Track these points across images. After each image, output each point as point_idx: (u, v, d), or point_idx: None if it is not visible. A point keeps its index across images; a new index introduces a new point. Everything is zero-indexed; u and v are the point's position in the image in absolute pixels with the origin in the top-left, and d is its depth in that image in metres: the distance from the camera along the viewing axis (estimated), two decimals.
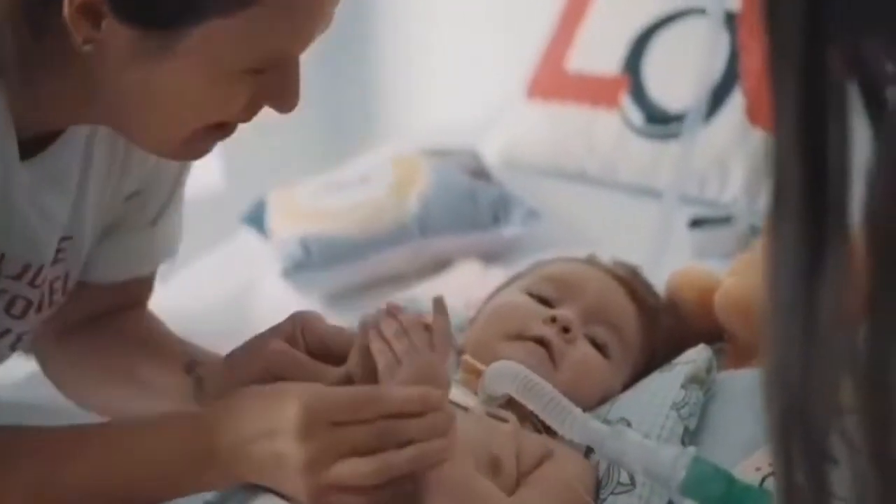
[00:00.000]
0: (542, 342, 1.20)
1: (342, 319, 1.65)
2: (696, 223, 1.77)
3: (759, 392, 0.66)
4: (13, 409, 1.35)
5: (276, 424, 0.93)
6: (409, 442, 0.94)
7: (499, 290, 1.35)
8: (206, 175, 2.57)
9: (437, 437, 0.95)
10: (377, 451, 0.92)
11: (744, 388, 1.22)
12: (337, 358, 1.06)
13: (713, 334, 1.35)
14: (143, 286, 1.24)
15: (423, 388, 0.96)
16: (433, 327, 1.03)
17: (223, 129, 0.98)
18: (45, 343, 1.21)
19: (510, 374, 1.06)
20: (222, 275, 1.86)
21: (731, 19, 1.86)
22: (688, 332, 1.36)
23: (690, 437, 1.14)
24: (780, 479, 0.65)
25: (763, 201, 1.83)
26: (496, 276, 1.67)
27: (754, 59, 1.84)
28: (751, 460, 1.03)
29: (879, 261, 0.58)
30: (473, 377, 1.16)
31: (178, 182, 1.17)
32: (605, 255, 1.40)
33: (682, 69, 1.89)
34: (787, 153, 0.60)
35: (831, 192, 0.59)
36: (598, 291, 1.27)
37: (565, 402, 1.03)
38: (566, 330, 1.21)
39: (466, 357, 1.19)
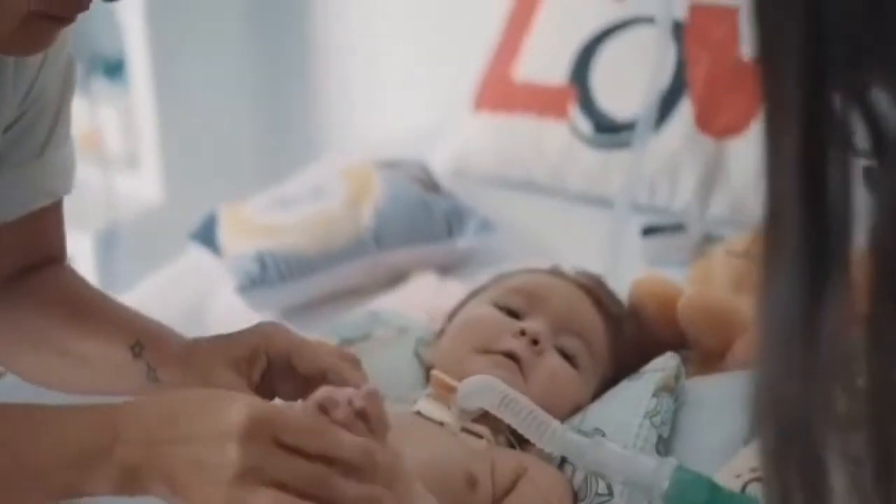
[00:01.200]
0: (511, 356, 1.20)
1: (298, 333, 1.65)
2: (649, 231, 1.78)
3: (751, 415, 0.66)
4: None
5: (211, 427, 0.86)
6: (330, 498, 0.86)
7: (463, 303, 1.35)
8: (146, 190, 2.55)
9: None
10: (305, 492, 0.85)
11: (711, 394, 1.23)
12: (300, 376, 1.03)
13: (674, 342, 1.36)
14: (48, 234, 1.18)
15: (370, 443, 0.89)
16: (368, 414, 0.91)
17: (56, 18, 0.91)
18: None
19: (486, 388, 1.06)
20: (172, 293, 1.82)
21: (677, 28, 1.88)
22: (649, 341, 1.37)
23: (665, 445, 1.15)
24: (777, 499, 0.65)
25: (713, 209, 1.85)
26: (453, 287, 1.67)
27: (701, 68, 1.86)
28: (729, 467, 1.03)
29: (883, 289, 0.58)
30: (445, 392, 1.15)
31: (60, 108, 1.11)
32: (560, 265, 1.40)
33: (629, 78, 1.90)
34: (786, 196, 0.60)
35: (833, 227, 0.59)
36: (566, 302, 1.27)
37: (543, 415, 1.03)
38: (535, 342, 1.21)
39: (436, 372, 1.18)
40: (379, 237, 1.73)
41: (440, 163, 2.07)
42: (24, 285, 1.15)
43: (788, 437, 0.63)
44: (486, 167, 2.06)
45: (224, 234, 1.78)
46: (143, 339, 1.09)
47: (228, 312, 1.74)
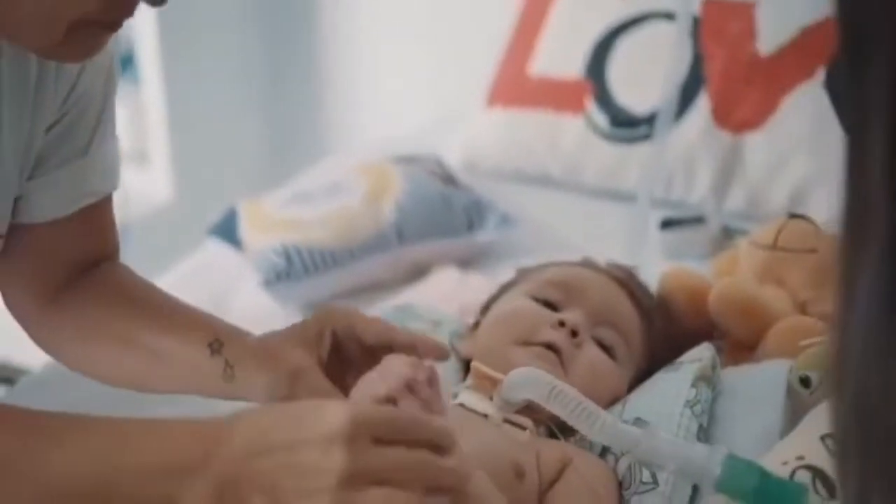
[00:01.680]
0: (552, 347, 1.21)
1: None
2: (668, 224, 1.79)
3: (831, 412, 0.67)
4: None
5: (313, 433, 0.87)
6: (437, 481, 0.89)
7: (496, 296, 1.36)
8: (156, 190, 2.55)
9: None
10: (409, 481, 0.88)
11: (745, 384, 1.24)
12: (369, 352, 1.06)
13: (703, 333, 1.38)
14: (99, 232, 1.19)
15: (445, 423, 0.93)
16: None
17: (102, 25, 0.92)
18: (28, 313, 1.17)
19: (534, 380, 1.07)
20: (191, 288, 1.82)
21: (694, 23, 1.90)
22: (679, 332, 1.39)
23: (705, 433, 1.16)
24: None
25: (730, 203, 1.86)
26: (476, 281, 1.69)
27: (717, 63, 1.88)
28: (775, 454, 1.04)
29: None
30: (487, 384, 1.16)
31: (104, 108, 1.12)
32: (591, 258, 1.42)
33: (645, 73, 1.92)
34: (872, 193, 0.60)
35: None
36: (602, 294, 1.29)
37: (592, 406, 1.03)
38: (574, 334, 1.22)
39: (477, 364, 1.19)
40: (401, 231, 1.74)
41: (453, 158, 2.08)
42: (85, 283, 1.16)
43: (870, 435, 0.63)
44: (500, 162, 2.07)
45: (245, 229, 1.79)
46: (222, 336, 1.10)
47: (251, 307, 1.75)
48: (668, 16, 1.92)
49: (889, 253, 0.60)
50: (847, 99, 0.63)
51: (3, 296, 1.17)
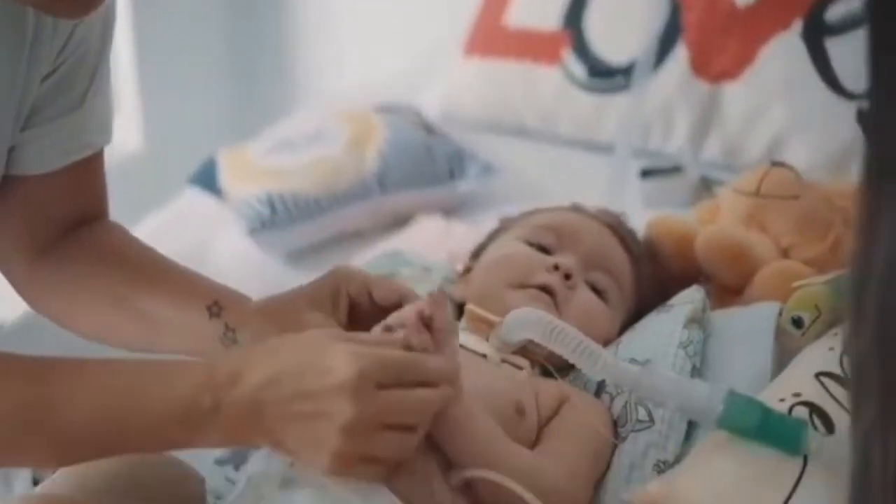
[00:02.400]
0: (546, 289, 1.23)
1: (304, 276, 1.65)
2: (647, 174, 1.81)
3: (851, 357, 0.68)
4: None
5: (322, 383, 0.90)
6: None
7: (486, 242, 1.37)
8: (126, 140, 2.53)
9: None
10: (412, 422, 0.93)
11: (733, 326, 1.26)
12: (381, 310, 1.06)
13: (689, 277, 1.41)
14: (91, 187, 1.17)
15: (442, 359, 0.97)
16: (435, 321, 1.00)
17: None
18: (18, 269, 1.15)
19: (533, 320, 1.08)
20: (172, 238, 1.82)
21: None
22: (666, 276, 1.41)
23: (698, 374, 1.18)
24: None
25: (706, 152, 1.88)
26: (459, 229, 1.70)
27: (695, 13, 1.89)
28: (770, 392, 1.07)
29: None
30: (483, 325, 1.18)
31: (100, 59, 1.10)
32: (581, 204, 1.43)
33: (623, 23, 1.93)
34: None
35: None
36: (594, 238, 1.30)
37: (593, 344, 1.05)
38: (568, 277, 1.24)
39: (472, 307, 1.21)
40: (383, 180, 1.75)
41: (430, 108, 2.08)
42: (77, 240, 1.14)
43: (891, 367, 0.64)
44: (477, 113, 2.08)
45: (227, 178, 1.79)
46: (221, 300, 1.09)
47: (232, 255, 1.75)
48: None
49: None
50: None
51: None
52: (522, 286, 1.23)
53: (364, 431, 0.90)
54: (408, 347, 0.97)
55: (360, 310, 1.07)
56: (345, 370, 0.90)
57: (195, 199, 1.89)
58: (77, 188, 1.15)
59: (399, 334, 0.98)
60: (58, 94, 1.08)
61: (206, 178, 1.84)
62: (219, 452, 1.23)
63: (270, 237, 1.68)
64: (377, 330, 1.02)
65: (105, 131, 1.15)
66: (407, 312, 1.00)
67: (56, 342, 1.41)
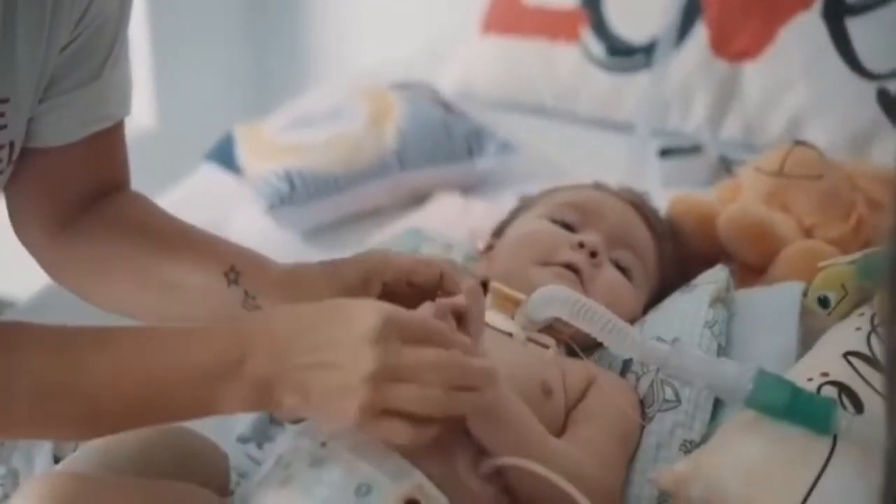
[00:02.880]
0: (571, 267, 1.22)
1: (322, 254, 1.65)
2: (666, 153, 1.80)
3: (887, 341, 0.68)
4: None
5: (345, 333, 0.89)
6: (467, 385, 0.91)
7: (509, 220, 1.37)
8: (140, 117, 2.52)
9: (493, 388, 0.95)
10: (437, 380, 0.90)
11: (757, 306, 1.26)
12: (421, 289, 1.04)
13: (711, 257, 1.40)
14: (112, 158, 1.15)
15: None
16: (468, 313, 0.99)
17: None
18: (40, 242, 1.14)
19: (561, 297, 1.07)
20: (189, 214, 1.80)
21: None
22: (688, 256, 1.41)
23: (724, 353, 1.18)
24: None
25: (725, 132, 1.87)
26: (478, 207, 1.69)
27: None
28: (797, 371, 1.06)
29: None
30: (508, 303, 1.17)
31: (118, 30, 1.08)
32: (603, 182, 1.43)
33: (642, 1, 1.92)
34: None
35: None
36: (618, 216, 1.30)
37: (622, 323, 1.05)
38: (593, 255, 1.23)
39: (497, 285, 1.20)
40: (402, 157, 1.74)
41: (447, 86, 2.07)
42: (99, 212, 1.13)
43: None
44: (494, 91, 2.07)
45: (245, 155, 1.78)
46: (239, 265, 1.07)
47: (250, 232, 1.74)
48: None
49: None
50: None
51: (14, 223, 1.13)
52: (547, 264, 1.23)
53: (387, 382, 0.88)
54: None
55: (396, 297, 1.03)
56: (369, 320, 0.89)
57: (211, 176, 1.88)
58: (97, 159, 1.13)
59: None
60: (76, 65, 1.06)
61: (223, 155, 1.83)
62: (241, 429, 1.22)
63: (289, 214, 1.67)
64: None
65: (124, 102, 1.13)
66: (441, 306, 0.97)
67: (70, 320, 1.42)
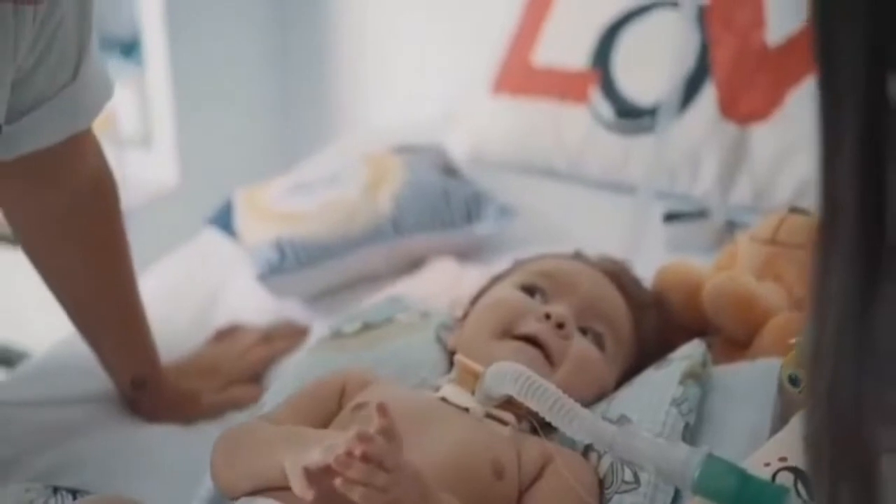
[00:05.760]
0: (535, 340, 1.19)
1: (318, 319, 1.64)
2: (671, 217, 1.76)
3: (805, 411, 0.66)
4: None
5: None
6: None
7: (486, 287, 1.33)
8: (160, 171, 2.54)
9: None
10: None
11: (738, 382, 1.22)
12: None
13: (698, 328, 1.35)
14: (93, 160, 1.29)
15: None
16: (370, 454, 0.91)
17: None
18: (35, 249, 1.30)
19: (511, 374, 1.04)
20: (188, 276, 1.81)
21: (700, 12, 1.86)
22: (673, 327, 1.36)
23: (691, 433, 1.13)
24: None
25: (735, 196, 1.83)
26: (473, 273, 1.66)
27: (725, 52, 1.84)
28: (757, 456, 1.01)
29: None
30: (469, 377, 1.13)
31: (81, 30, 1.12)
32: (583, 250, 1.39)
33: (651, 63, 1.88)
34: (843, 183, 0.59)
35: (890, 221, 0.58)
36: (591, 286, 1.26)
37: (570, 402, 1.01)
38: (560, 326, 1.19)
39: (460, 357, 1.17)
40: (397, 223, 1.71)
41: (458, 147, 2.05)
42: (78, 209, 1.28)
43: (842, 432, 0.62)
44: (505, 152, 2.04)
45: (241, 220, 1.76)
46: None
47: (246, 297, 1.73)
48: (675, 4, 1.88)
49: (857, 255, 0.59)
50: (819, 110, 0.61)
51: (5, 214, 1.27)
52: (510, 334, 1.19)
53: None
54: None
55: None
56: None
57: (213, 241, 1.87)
58: (79, 164, 1.26)
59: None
60: (48, 80, 1.10)
61: (223, 220, 1.82)
62: (196, 502, 1.20)
63: (279, 282, 1.65)
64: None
65: (105, 93, 1.20)
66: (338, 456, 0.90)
67: (85, 372, 1.43)
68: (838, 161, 0.58)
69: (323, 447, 0.91)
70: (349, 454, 0.88)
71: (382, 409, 0.91)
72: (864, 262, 0.58)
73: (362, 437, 0.88)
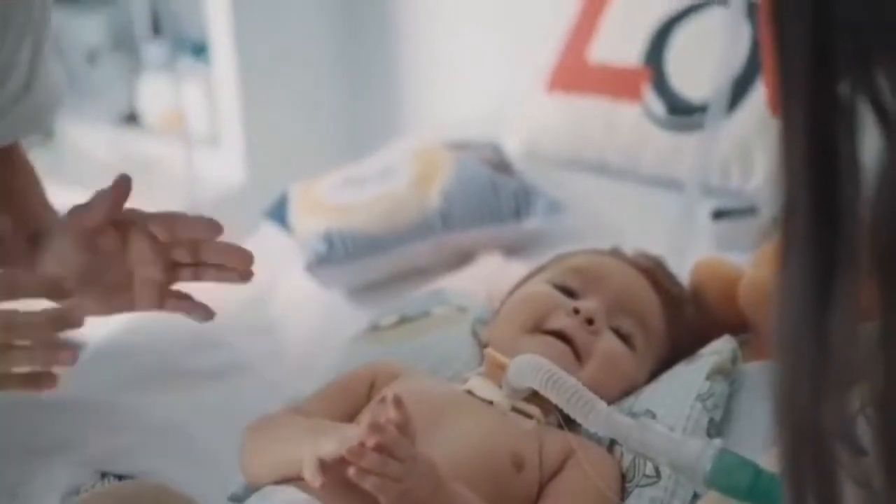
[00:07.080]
0: (563, 335, 1.20)
1: (365, 314, 1.66)
2: (719, 214, 1.76)
3: (771, 415, 0.66)
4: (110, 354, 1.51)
5: None
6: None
7: (521, 282, 1.35)
8: (228, 169, 2.59)
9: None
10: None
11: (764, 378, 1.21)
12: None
13: (737, 325, 1.35)
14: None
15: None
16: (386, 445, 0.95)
17: None
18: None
19: (533, 367, 1.06)
20: None
21: (752, 9, 1.85)
22: (711, 324, 1.36)
23: (717, 428, 1.14)
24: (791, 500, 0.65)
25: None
26: (518, 268, 1.67)
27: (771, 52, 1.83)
28: (774, 451, 1.02)
29: (888, 273, 0.58)
30: (498, 370, 1.15)
31: (36, 51, 1.15)
32: (628, 247, 1.40)
33: (704, 60, 1.88)
34: (796, 181, 0.60)
35: (842, 212, 0.59)
36: (623, 282, 1.27)
37: (589, 395, 1.02)
38: (590, 322, 1.21)
39: (489, 350, 1.19)
40: (446, 217, 1.74)
41: (512, 144, 2.07)
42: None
43: (801, 437, 0.63)
44: (559, 148, 2.05)
45: (294, 214, 1.80)
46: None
47: (298, 290, 1.76)
48: (728, 2, 1.87)
49: (811, 253, 0.60)
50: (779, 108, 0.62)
51: None
52: (539, 329, 1.21)
53: None
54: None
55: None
56: None
57: (270, 234, 1.91)
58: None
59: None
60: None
61: (279, 214, 1.86)
62: (234, 489, 1.23)
63: (327, 272, 1.68)
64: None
65: (53, 104, 1.22)
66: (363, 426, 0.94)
67: (140, 361, 1.47)
68: (792, 159, 0.59)
69: (338, 438, 0.94)
70: (362, 444, 0.91)
71: (397, 401, 0.94)
72: (819, 261, 0.59)
73: (375, 428, 0.91)
